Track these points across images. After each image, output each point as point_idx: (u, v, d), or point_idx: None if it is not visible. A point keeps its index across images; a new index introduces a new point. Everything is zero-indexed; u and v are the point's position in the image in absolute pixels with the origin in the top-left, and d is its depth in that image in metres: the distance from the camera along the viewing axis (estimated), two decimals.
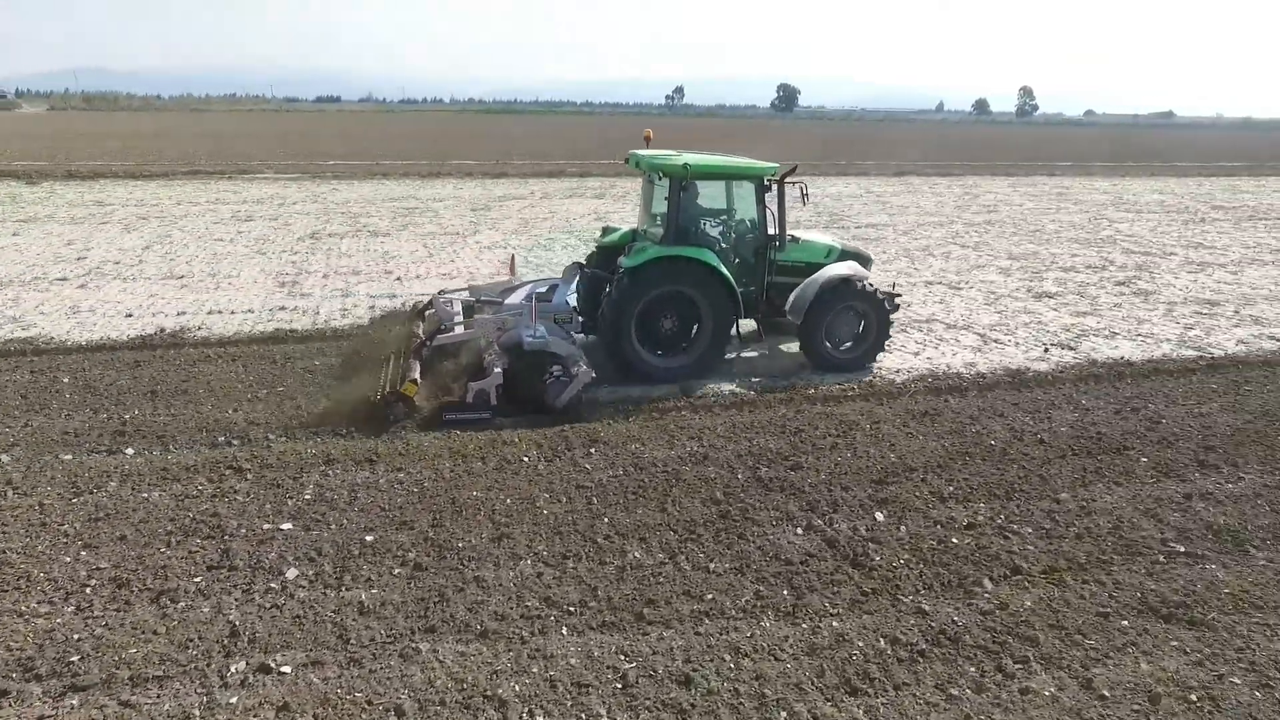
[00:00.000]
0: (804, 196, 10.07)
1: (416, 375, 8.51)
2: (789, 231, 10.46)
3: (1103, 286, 16.05)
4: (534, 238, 20.02)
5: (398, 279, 15.44)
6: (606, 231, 11.45)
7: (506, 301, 10.29)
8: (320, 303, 13.55)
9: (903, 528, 6.57)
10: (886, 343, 10.51)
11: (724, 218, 10.42)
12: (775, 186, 10.02)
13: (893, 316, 10.63)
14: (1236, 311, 14.17)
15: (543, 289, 10.80)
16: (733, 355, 10.70)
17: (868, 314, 10.18)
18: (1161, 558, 6.25)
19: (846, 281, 9.97)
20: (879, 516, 6.75)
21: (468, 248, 18.67)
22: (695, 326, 9.71)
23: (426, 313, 11.00)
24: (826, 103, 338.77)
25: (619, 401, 9.20)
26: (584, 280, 10.67)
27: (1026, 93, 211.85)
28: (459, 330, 9.83)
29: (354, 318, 12.60)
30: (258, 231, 20.23)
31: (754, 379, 10.04)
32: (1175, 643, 5.22)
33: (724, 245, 10.11)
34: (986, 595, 5.69)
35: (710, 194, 10.43)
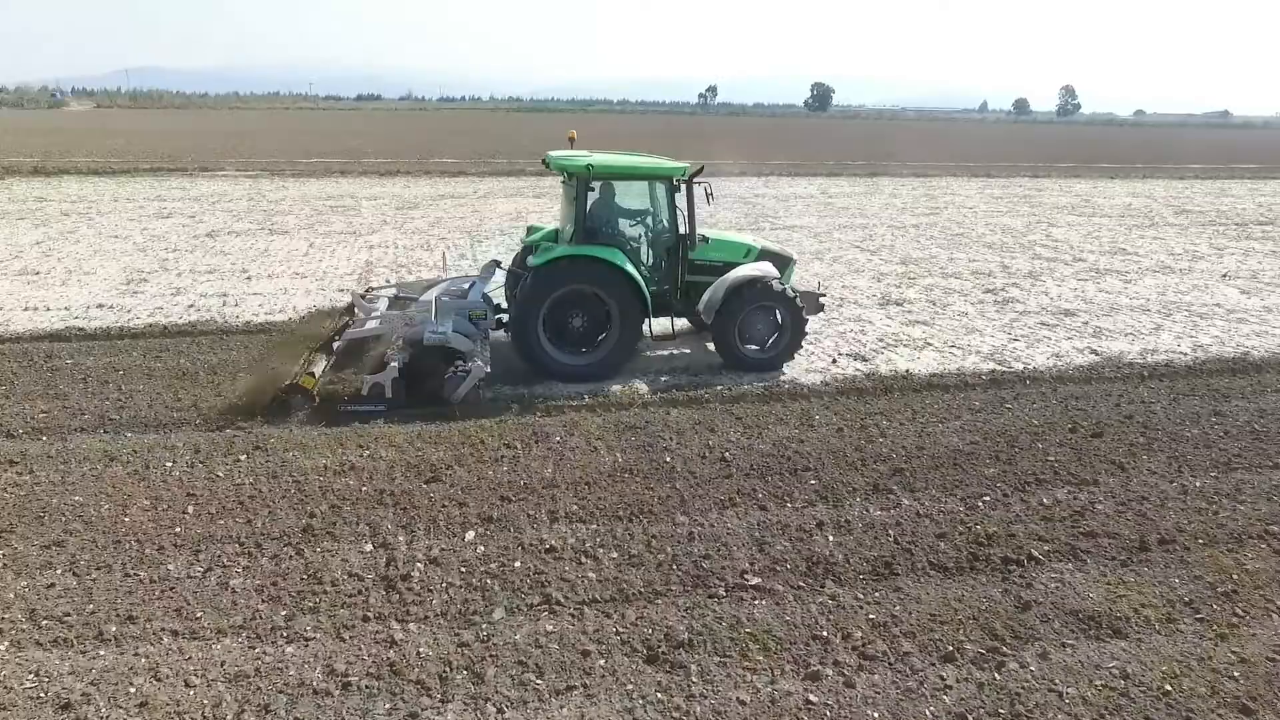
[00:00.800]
0: (709, 197, 10.19)
1: (316, 369, 9.04)
2: (701, 231, 10.57)
3: (968, 295, 15.39)
4: (427, 237, 19.98)
5: (248, 278, 15.48)
6: (531, 230, 11.68)
7: (420, 298, 10.45)
8: (145, 301, 13.63)
9: (491, 546, 6.30)
10: (801, 343, 10.52)
11: (637, 218, 10.56)
12: (685, 186, 10.13)
13: (813, 317, 10.85)
14: (1086, 323, 13.45)
15: (465, 285, 10.91)
16: (665, 352, 11.01)
17: (782, 315, 10.15)
18: (723, 590, 5.86)
19: (756, 282, 10.01)
20: (469, 536, 6.49)
21: (352, 248, 18.68)
22: (608, 324, 9.83)
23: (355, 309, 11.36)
24: (867, 102, 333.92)
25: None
26: (508, 278, 11.08)
27: (1068, 92, 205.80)
28: (369, 325, 10.08)
29: (166, 317, 12.63)
30: (161, 229, 20.51)
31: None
32: (655, 682, 4.87)
33: (635, 245, 10.29)
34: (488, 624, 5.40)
35: (626, 194, 10.59)
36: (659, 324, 10.60)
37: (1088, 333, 12.85)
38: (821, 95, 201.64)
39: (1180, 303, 15.04)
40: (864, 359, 11.27)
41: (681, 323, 11.13)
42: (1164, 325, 13.40)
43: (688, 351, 11.30)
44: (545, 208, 24.50)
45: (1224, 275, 17.49)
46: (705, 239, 10.60)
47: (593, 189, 9.96)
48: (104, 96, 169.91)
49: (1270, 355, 11.81)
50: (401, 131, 69.16)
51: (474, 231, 20.80)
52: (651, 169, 10.22)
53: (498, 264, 11.54)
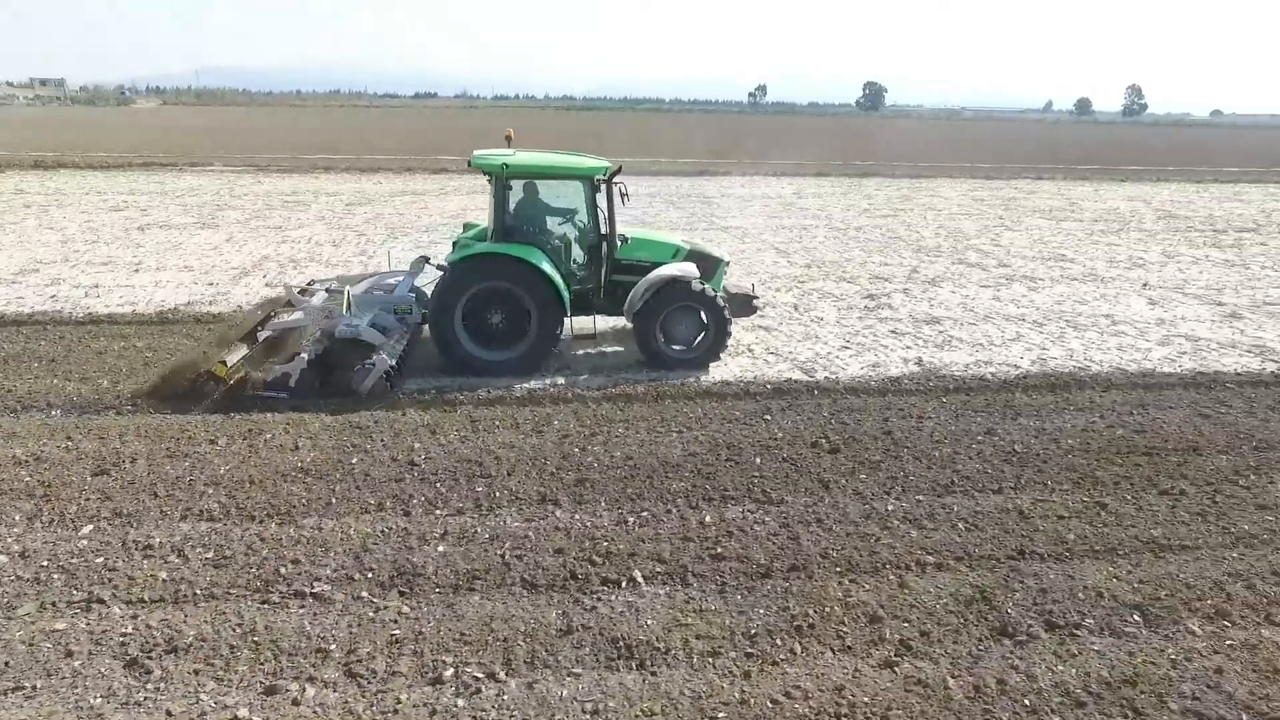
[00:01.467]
0: (623, 197, 10.28)
1: (230, 357, 9.38)
2: (626, 230, 10.77)
3: (843, 300, 14.80)
4: (348, 233, 20.22)
5: (135, 271, 15.85)
6: (467, 228, 11.85)
7: (350, 291, 10.60)
8: (11, 291, 14.06)
9: (96, 540, 6.27)
10: (722, 346, 10.54)
11: (558, 217, 10.71)
12: (605, 186, 10.15)
13: (746, 320, 11.27)
14: (941, 332, 12.76)
15: (394, 280, 11.20)
16: (594, 350, 11.22)
17: (705, 315, 10.25)
18: (276, 597, 5.70)
19: (676, 281, 10.11)
20: (85, 530, 6.48)
21: (264, 242, 18.97)
22: (529, 322, 9.93)
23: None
24: (925, 101, 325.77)
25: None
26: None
27: (1135, 91, 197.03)
28: (293, 316, 10.35)
29: (19, 307, 13.01)
30: (102, 221, 21.16)
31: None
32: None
33: (556, 244, 10.34)
34: None
35: (549, 194, 10.73)
36: (582, 323, 10.83)
37: (933, 343, 12.19)
38: (874, 94, 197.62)
39: (1069, 313, 14.17)
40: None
41: (618, 322, 11.17)
42: (1025, 337, 12.63)
43: (619, 350, 11.31)
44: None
45: (1144, 285, 16.42)
46: (625, 238, 10.64)
47: (510, 187, 10.07)
48: (172, 94, 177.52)
49: (1110, 371, 11.02)
50: (436, 129, 70.30)
51: (398, 229, 20.90)
52: (568, 168, 10.31)
53: (426, 260, 11.80)
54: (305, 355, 9.24)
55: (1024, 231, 23.18)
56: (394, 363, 9.35)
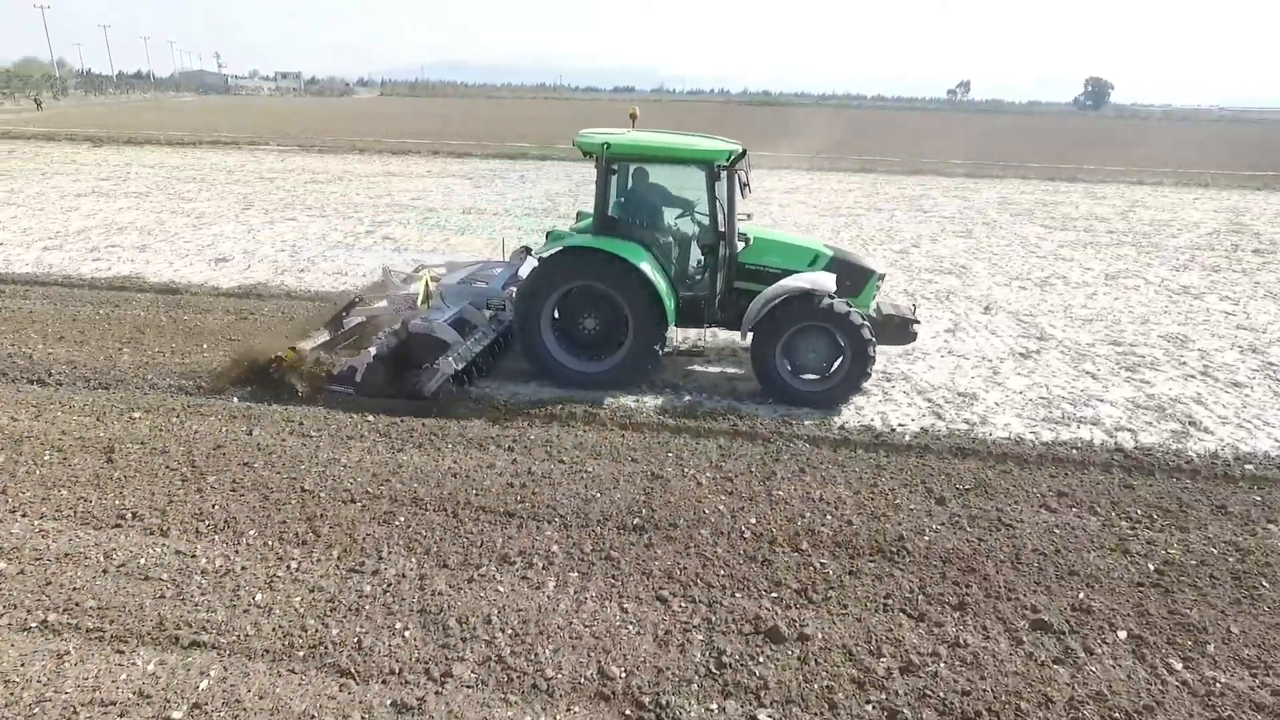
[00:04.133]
0: (744, 187, 8.48)
1: (308, 344, 8.63)
2: (750, 229, 9.00)
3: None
4: (264, 209, 19.43)
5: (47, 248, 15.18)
6: (580, 217, 10.34)
7: (443, 281, 9.90)
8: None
9: None
10: (863, 378, 8.23)
11: (672, 209, 9.13)
12: (725, 174, 8.32)
13: (895, 346, 9.13)
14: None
15: (497, 270, 10.13)
16: (705, 368, 9.33)
17: (842, 339, 8.12)
18: None
19: (806, 297, 8.05)
20: None
21: (154, 213, 18.38)
22: (627, 329, 8.42)
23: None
24: (1174, 101, 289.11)
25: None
26: None
27: None
28: (378, 304, 9.68)
29: None
30: (70, 188, 21.61)
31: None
32: None
33: (667, 241, 8.79)
34: None
35: (663, 181, 9.09)
36: (692, 336, 9.57)
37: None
38: (1097, 92, 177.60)
39: None
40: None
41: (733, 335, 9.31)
42: None
43: (736, 372, 9.30)
44: (452, 186, 22.87)
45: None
46: (747, 238, 8.85)
47: (614, 171, 8.53)
48: (387, 88, 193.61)
49: None
50: (573, 118, 70.32)
51: (318, 209, 19.51)
52: (682, 151, 8.46)
53: (528, 250, 10.40)
54: (373, 350, 8.20)
55: (949, 237, 18.11)
56: (460, 366, 8.07)
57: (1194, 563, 5.53)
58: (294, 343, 8.56)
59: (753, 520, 5.89)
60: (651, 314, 8.20)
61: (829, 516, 5.98)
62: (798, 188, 26.29)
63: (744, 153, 8.40)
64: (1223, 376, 9.44)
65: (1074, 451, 7.28)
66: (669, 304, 8.23)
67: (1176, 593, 5.18)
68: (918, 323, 9.06)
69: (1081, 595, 5.12)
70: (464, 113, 77.24)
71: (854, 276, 8.69)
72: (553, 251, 8.44)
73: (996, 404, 8.45)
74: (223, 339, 9.68)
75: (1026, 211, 22.75)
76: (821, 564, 5.37)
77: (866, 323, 8.08)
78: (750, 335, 8.36)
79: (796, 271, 8.50)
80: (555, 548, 5.46)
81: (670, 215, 9.06)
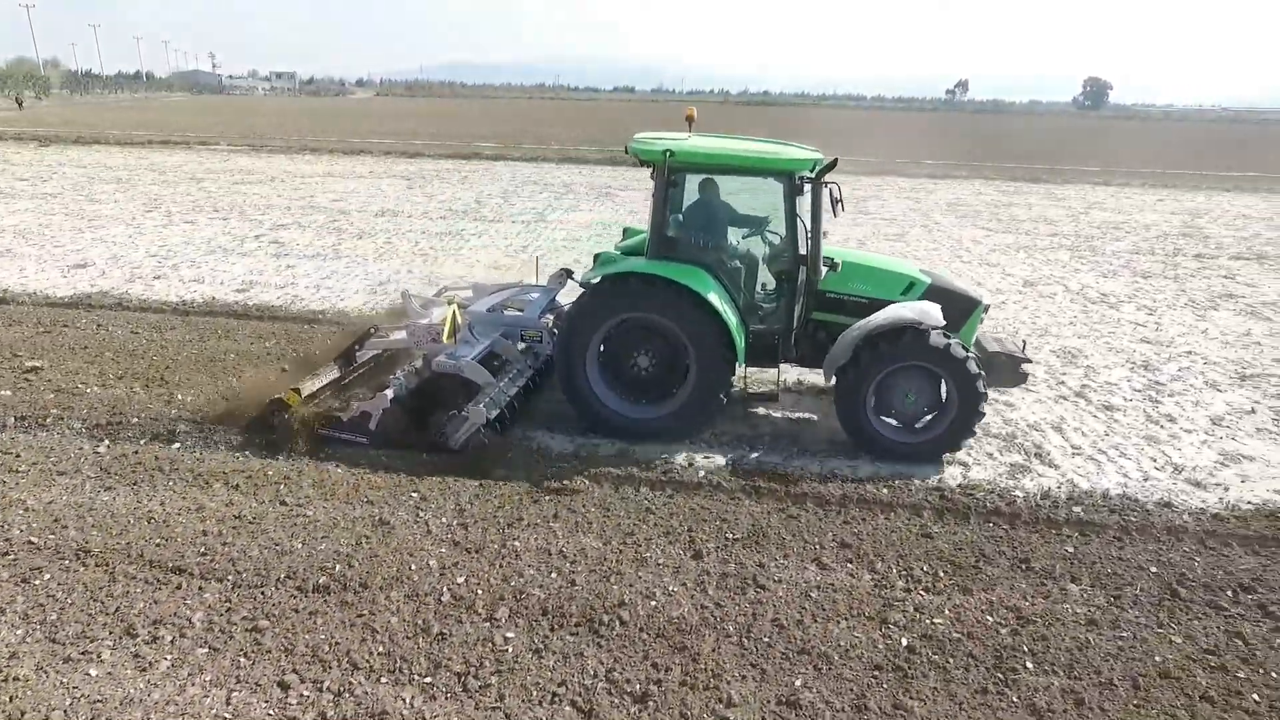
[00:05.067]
0: (836, 204, 6.94)
1: (313, 383, 7.38)
2: (834, 252, 7.57)
3: None
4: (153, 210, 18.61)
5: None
6: (627, 234, 8.74)
7: (471, 309, 8.21)
8: None
9: None
10: (976, 425, 6.97)
11: (742, 228, 7.85)
12: (810, 188, 6.99)
13: (1001, 391, 7.83)
14: None
15: (533, 296, 8.72)
16: (780, 414, 8.04)
17: (946, 381, 6.89)
18: None
19: (912, 333, 6.74)
20: None
21: (39, 212, 17.73)
22: (688, 369, 7.20)
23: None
24: (1177, 101, 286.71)
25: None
26: None
27: None
28: (395, 335, 8.34)
29: None
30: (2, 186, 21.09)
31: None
32: None
33: (736, 265, 7.54)
34: None
35: (732, 195, 7.78)
36: (764, 376, 8.13)
37: None
38: (1095, 92, 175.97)
39: None
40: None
41: (804, 374, 8.35)
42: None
43: (810, 416, 8.13)
44: (384, 188, 22.07)
45: None
46: (834, 263, 7.30)
47: (676, 183, 7.33)
48: (383, 87, 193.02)
49: None
50: (563, 120, 69.58)
51: (226, 211, 18.64)
52: (758, 160, 7.16)
53: (569, 274, 8.93)
54: (390, 391, 7.03)
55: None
56: (494, 414, 6.81)
57: (957, 636, 4.67)
58: (297, 382, 7.29)
59: (462, 579, 5.05)
60: (719, 352, 6.96)
61: (555, 575, 5.14)
62: None
63: (834, 162, 7.02)
64: (1097, 398, 8.58)
65: (884, 490, 6.42)
66: (739, 340, 6.98)
67: (916, 679, 4.32)
68: (1029, 361, 7.59)
69: (798, 683, 4.26)
70: (453, 113, 76.27)
71: (956, 307, 7.25)
72: (602, 277, 7.15)
73: (818, 433, 7.59)
74: (9, 354, 8.87)
75: (975, 213, 21.85)
76: (506, 639, 4.53)
77: (979, 365, 6.80)
78: (838, 375, 7.03)
79: (887, 301, 7.16)
80: (199, 616, 4.63)
81: (739, 235, 7.77)
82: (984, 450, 7.24)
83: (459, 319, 7.67)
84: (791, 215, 7.08)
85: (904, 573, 5.31)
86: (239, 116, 59.58)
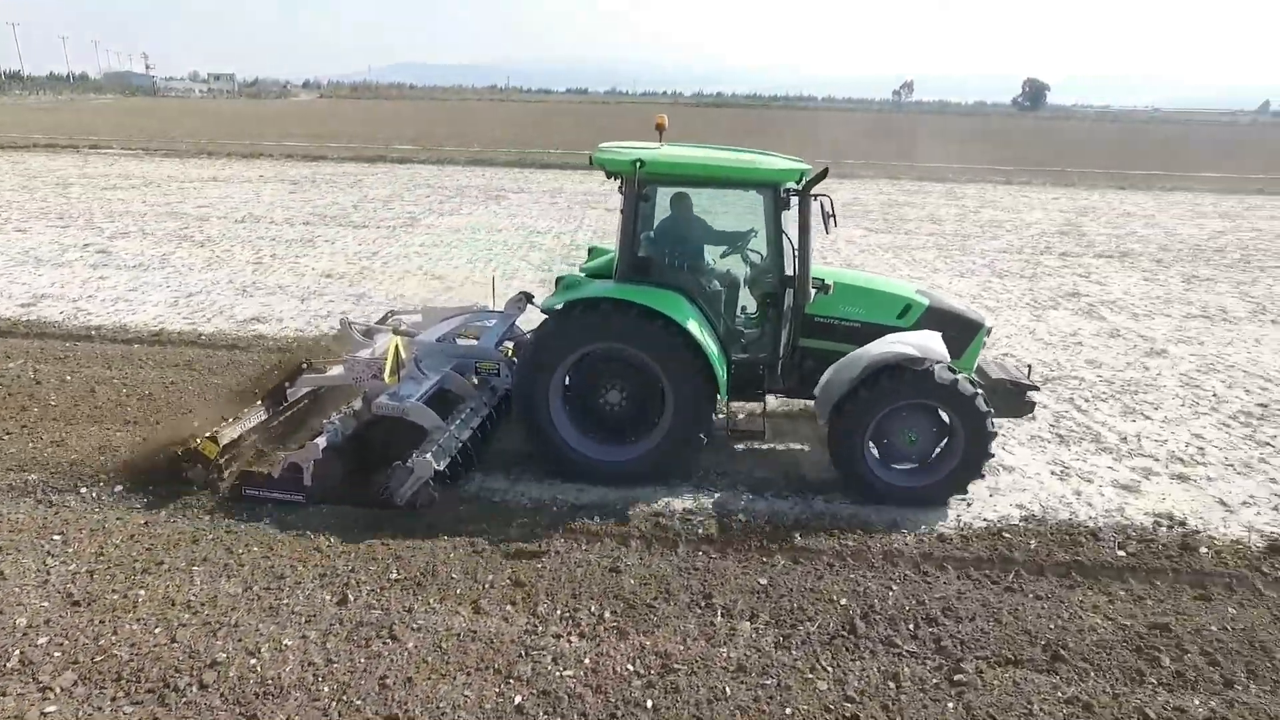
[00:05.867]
0: (829, 219, 6.32)
1: (232, 430, 6.42)
2: (824, 272, 6.84)
3: None
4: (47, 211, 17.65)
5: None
6: (593, 254, 7.95)
7: (419, 339, 7.33)
8: None
9: None
10: (984, 466, 6.35)
11: (721, 246, 7.12)
12: (798, 201, 6.31)
13: (1005, 424, 7.08)
14: None
15: (488, 323, 7.85)
16: (765, 445, 7.33)
17: (950, 418, 6.24)
18: None
19: (912, 368, 6.04)
20: None
21: None
22: (664, 404, 6.53)
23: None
24: (1113, 102, 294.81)
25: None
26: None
27: None
28: (331, 371, 7.43)
29: None
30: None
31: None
32: None
33: (716, 288, 6.87)
34: None
35: (710, 209, 7.17)
36: (746, 410, 7.44)
37: None
38: (1034, 93, 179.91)
39: None
40: None
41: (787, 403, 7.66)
42: None
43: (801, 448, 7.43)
44: (262, 193, 21.34)
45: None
46: (825, 284, 6.60)
47: (647, 198, 6.57)
48: (327, 89, 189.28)
49: None
50: (504, 122, 68.70)
51: (70, 218, 17.92)
52: (738, 171, 6.51)
53: (528, 298, 8.02)
54: (322, 440, 6.15)
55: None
56: (442, 465, 5.98)
57: (581, 691, 4.19)
58: (213, 428, 6.29)
59: (43, 640, 4.43)
60: (698, 385, 6.32)
61: (160, 630, 4.55)
62: None
63: (824, 173, 6.34)
64: None
65: (594, 520, 5.94)
66: (720, 372, 6.32)
67: None
68: (1036, 389, 6.94)
69: None
70: (392, 115, 74.71)
71: (958, 331, 6.70)
72: (567, 303, 6.42)
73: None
74: None
75: (865, 213, 21.71)
76: (44, 715, 3.92)
77: (987, 402, 6.12)
78: (831, 413, 6.33)
79: (882, 326, 6.60)
80: None
81: (716, 254, 7.12)
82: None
83: (403, 353, 6.83)
84: (776, 232, 6.47)
85: (567, 616, 4.82)
86: (169, 119, 57.41)
